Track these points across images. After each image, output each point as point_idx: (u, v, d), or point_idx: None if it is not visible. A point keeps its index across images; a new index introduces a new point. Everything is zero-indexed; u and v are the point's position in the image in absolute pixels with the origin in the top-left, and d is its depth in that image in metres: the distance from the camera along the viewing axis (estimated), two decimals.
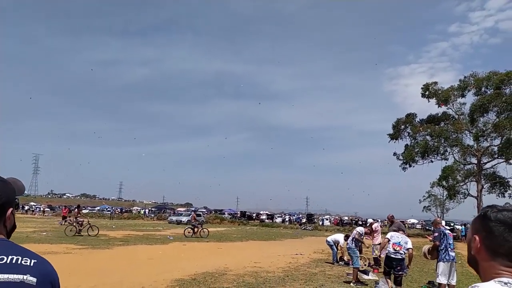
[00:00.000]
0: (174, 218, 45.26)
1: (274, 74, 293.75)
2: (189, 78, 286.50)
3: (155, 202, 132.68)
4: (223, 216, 57.44)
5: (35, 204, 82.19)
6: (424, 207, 47.83)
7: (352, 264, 9.19)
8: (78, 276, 8.55)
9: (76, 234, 19.40)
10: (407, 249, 7.67)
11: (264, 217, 58.57)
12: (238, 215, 59.08)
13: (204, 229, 22.78)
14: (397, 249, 7.53)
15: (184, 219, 43.57)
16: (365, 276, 10.11)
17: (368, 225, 12.28)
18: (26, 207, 68.89)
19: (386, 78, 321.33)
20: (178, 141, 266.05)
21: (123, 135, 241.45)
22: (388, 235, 7.98)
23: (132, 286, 7.57)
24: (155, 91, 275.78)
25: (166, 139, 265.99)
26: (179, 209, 76.41)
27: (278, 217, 61.05)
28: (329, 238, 13.91)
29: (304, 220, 52.89)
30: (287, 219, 57.34)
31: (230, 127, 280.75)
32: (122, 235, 21.68)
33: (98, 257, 12.42)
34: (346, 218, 65.72)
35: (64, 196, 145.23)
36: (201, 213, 50.70)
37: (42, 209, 67.51)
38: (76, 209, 21.56)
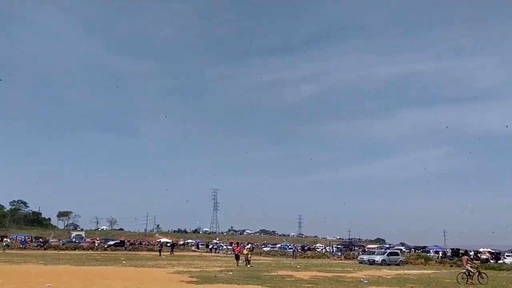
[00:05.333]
0: (365, 257, 39.88)
1: (475, 68, 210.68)
2: (363, 89, 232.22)
3: (340, 238, 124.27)
4: (428, 254, 47.63)
5: (217, 241, 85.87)
6: None
7: None
8: None
9: (468, 282, 19.66)
10: None
11: (485, 256, 45.47)
12: (449, 254, 47.87)
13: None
14: None
15: (378, 258, 37.42)
16: None
17: None
18: (210, 245, 72.25)
19: None
20: (357, 163, 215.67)
21: (295, 162, 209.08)
22: None
23: None
24: (324, 108, 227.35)
25: (343, 163, 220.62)
26: (369, 246, 69.02)
27: (507, 256, 46.74)
28: None
29: None
30: None
31: (420, 141, 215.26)
32: (309, 276, 20.79)
33: None
34: None
35: (245, 233, 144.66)
36: (398, 251, 43.45)
37: (225, 247, 69.99)
38: (465, 256, 22.79)
